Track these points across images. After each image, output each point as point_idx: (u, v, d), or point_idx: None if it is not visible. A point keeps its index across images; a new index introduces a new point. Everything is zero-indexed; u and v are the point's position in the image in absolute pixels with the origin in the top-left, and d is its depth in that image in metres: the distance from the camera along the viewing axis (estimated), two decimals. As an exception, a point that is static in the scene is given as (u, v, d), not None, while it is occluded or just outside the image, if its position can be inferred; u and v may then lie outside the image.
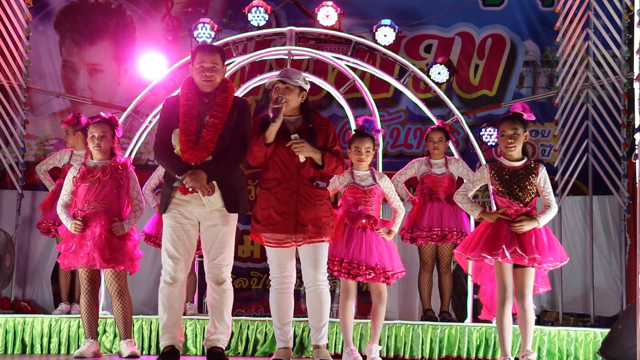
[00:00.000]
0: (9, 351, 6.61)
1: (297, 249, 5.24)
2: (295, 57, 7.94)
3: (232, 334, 6.35)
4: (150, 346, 6.58)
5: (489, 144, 8.43)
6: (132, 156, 7.47)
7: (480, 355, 6.40)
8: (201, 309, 7.50)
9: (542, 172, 5.35)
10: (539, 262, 5.23)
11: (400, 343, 6.46)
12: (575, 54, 8.22)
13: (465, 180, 6.97)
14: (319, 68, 9.01)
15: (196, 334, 6.54)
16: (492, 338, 6.36)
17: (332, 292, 6.37)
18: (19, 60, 8.36)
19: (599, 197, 8.35)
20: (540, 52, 9.59)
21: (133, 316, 6.00)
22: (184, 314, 6.02)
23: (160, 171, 7.01)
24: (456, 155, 7.47)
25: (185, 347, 6.41)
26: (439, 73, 8.01)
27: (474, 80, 9.71)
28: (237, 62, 7.85)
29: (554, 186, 7.48)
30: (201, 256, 5.25)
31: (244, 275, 9.25)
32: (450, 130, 7.40)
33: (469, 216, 7.01)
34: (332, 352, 6.28)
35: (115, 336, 6.52)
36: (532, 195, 5.34)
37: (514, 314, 5.38)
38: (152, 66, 8.09)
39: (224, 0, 9.86)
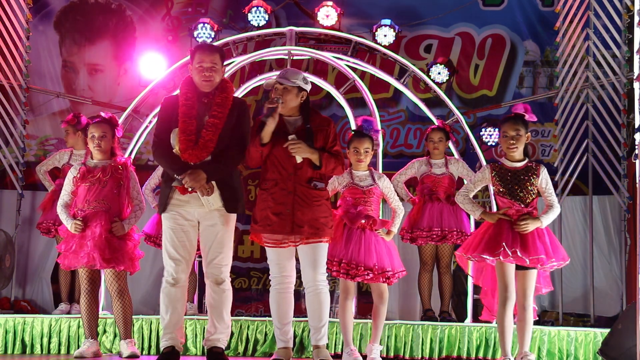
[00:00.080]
0: (9, 351, 6.61)
1: (297, 249, 5.24)
2: (295, 57, 7.93)
3: (232, 334, 6.36)
4: (150, 346, 6.58)
5: (489, 144, 8.41)
6: (132, 156, 7.47)
7: (480, 355, 6.40)
8: (201, 309, 7.50)
9: (544, 173, 5.35)
10: (543, 263, 5.23)
11: (400, 343, 6.46)
12: (575, 54, 8.22)
13: (465, 181, 6.98)
14: (319, 68, 9.00)
15: (196, 334, 6.54)
16: (492, 338, 6.36)
17: (332, 293, 6.37)
18: (19, 60, 8.36)
19: (599, 197, 8.34)
20: (540, 52, 9.58)
21: (133, 316, 6.00)
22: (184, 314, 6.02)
23: (160, 171, 7.00)
24: (456, 155, 7.47)
25: (185, 347, 6.40)
26: (439, 73, 8.02)
27: (474, 80, 9.70)
28: (237, 62, 7.84)
29: (554, 186, 7.48)
30: (201, 256, 5.24)
31: (244, 275, 9.23)
32: (450, 130, 7.40)
33: (469, 216, 7.01)
34: (332, 352, 6.28)
35: (115, 336, 6.52)
36: (533, 196, 5.34)
37: (514, 315, 5.38)
38: (152, 66, 8.09)
39: (224, 0, 9.84)
